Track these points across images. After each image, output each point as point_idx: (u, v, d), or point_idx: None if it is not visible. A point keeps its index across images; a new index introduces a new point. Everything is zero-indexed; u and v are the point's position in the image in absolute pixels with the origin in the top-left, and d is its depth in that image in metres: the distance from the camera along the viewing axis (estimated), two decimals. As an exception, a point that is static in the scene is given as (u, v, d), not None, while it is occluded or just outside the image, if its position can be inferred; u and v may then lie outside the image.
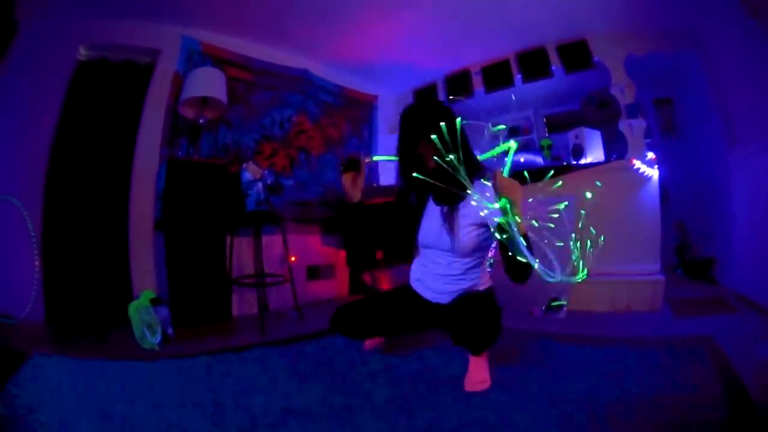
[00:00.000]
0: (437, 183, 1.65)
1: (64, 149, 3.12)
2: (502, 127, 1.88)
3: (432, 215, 1.97)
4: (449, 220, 1.87)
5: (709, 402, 1.59)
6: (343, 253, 4.28)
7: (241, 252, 3.51)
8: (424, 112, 1.81)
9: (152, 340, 2.49)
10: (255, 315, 3.10)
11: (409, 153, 1.81)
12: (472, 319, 1.78)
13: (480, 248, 1.93)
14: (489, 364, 1.87)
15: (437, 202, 1.95)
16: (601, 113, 3.92)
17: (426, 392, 1.78)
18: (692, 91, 4.38)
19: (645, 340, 2.47)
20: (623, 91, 3.69)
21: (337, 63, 4.36)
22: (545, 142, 5.04)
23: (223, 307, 3.11)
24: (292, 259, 3.67)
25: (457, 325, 1.81)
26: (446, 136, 1.51)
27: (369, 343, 2.34)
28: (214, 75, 3.30)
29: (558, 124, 5.22)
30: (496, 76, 4.28)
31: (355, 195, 2.01)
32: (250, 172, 3.28)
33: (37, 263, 2.89)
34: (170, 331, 2.60)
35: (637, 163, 3.45)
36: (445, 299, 1.99)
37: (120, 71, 3.36)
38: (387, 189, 4.40)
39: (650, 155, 3.52)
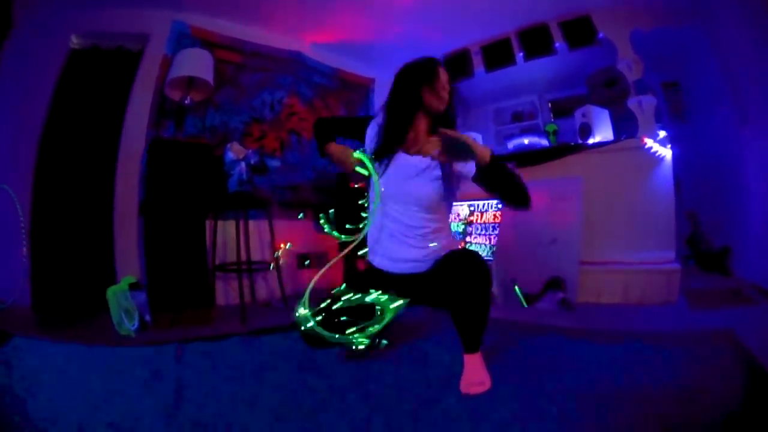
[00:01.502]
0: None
1: (54, 137, 3.07)
2: None
3: (401, 164, 1.77)
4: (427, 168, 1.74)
5: (735, 398, 1.50)
6: (336, 241, 4.06)
7: (227, 237, 3.32)
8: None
9: (129, 326, 2.44)
10: (239, 304, 2.93)
11: (422, 86, 1.74)
12: (466, 277, 1.58)
13: (447, 198, 1.81)
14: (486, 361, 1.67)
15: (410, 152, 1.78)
16: (608, 92, 3.70)
17: (408, 395, 1.57)
18: (700, 72, 4.13)
19: (664, 336, 2.25)
20: (631, 67, 3.47)
21: (331, 45, 4.18)
22: (551, 128, 4.83)
23: (205, 294, 2.92)
24: (282, 246, 3.48)
25: (451, 284, 1.60)
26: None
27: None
28: (200, 55, 3.16)
29: (563, 109, 5.01)
30: (497, 54, 4.09)
31: (351, 163, 1.79)
32: (233, 151, 3.11)
33: (25, 250, 2.85)
34: (147, 317, 2.54)
35: (649, 142, 3.19)
36: (411, 267, 1.80)
37: (111, 58, 3.26)
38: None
39: (662, 134, 3.30)
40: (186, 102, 3.14)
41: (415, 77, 1.76)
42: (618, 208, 3.27)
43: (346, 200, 3.75)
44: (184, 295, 2.79)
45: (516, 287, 3.15)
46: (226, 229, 3.31)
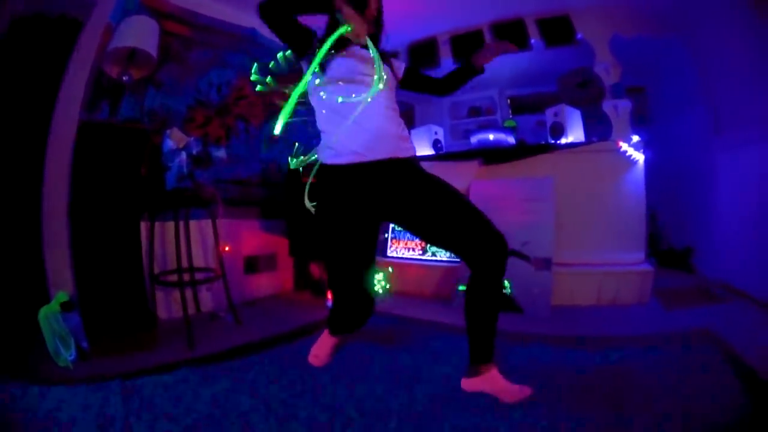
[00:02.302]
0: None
1: None
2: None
3: (354, 51, 1.66)
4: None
5: (730, 395, 1.66)
6: (286, 241, 3.66)
7: (164, 238, 2.85)
8: None
9: (66, 355, 2.07)
10: (183, 318, 2.49)
11: None
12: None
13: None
14: None
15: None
16: (582, 93, 3.60)
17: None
18: (671, 79, 4.24)
19: (647, 338, 2.34)
20: (608, 71, 3.44)
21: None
22: (509, 123, 4.72)
23: (143, 310, 2.47)
24: (226, 249, 3.05)
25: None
26: None
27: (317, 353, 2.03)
28: (145, 24, 2.66)
29: (522, 106, 4.96)
30: (468, 46, 3.86)
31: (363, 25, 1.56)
32: (173, 139, 2.67)
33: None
34: (84, 344, 2.18)
35: (624, 146, 3.22)
36: (401, 148, 1.66)
37: (53, 26, 2.64)
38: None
39: (636, 138, 3.26)
40: (124, 79, 2.62)
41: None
42: (590, 209, 3.28)
43: (298, 198, 3.40)
44: (121, 312, 2.39)
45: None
46: (165, 230, 2.83)
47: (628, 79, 4.26)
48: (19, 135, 2.52)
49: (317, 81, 1.63)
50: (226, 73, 3.34)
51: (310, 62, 1.58)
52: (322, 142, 1.70)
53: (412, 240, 3.78)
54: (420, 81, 1.90)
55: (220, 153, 3.25)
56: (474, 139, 4.08)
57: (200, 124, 3.18)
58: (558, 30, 3.58)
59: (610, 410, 1.57)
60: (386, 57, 1.75)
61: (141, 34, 2.62)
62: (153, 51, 2.65)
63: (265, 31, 3.44)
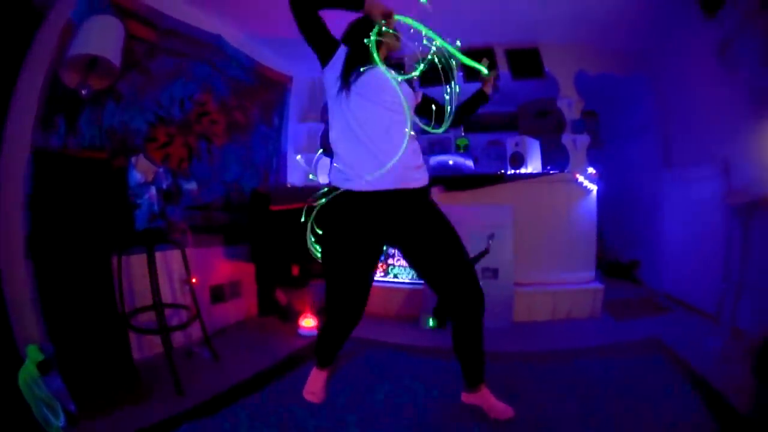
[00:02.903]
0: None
1: None
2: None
3: (377, 71, 1.68)
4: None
5: (682, 398, 1.96)
6: (251, 267, 3.51)
7: (131, 275, 2.58)
8: None
9: (56, 423, 1.84)
10: (158, 357, 2.43)
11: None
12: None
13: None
14: None
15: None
16: (538, 123, 3.81)
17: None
18: (626, 108, 4.66)
19: (604, 349, 2.69)
20: (571, 106, 3.68)
21: (251, 31, 3.55)
22: (461, 141, 4.88)
23: (124, 360, 2.22)
24: (193, 281, 2.85)
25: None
26: None
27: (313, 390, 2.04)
28: (110, 26, 2.32)
29: (475, 124, 5.10)
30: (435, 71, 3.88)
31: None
32: (140, 170, 2.41)
33: None
34: (71, 407, 1.93)
35: (581, 177, 3.51)
36: (413, 178, 1.71)
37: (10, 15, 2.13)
38: (303, 191, 3.77)
39: (591, 170, 3.54)
40: (83, 93, 2.28)
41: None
42: (547, 233, 3.55)
43: (264, 224, 3.27)
44: (101, 366, 2.12)
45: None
46: (131, 265, 2.57)
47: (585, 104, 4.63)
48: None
49: (340, 93, 1.66)
50: (189, 86, 3.06)
51: (333, 72, 1.68)
52: (334, 161, 1.76)
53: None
54: (434, 110, 1.92)
55: (191, 185, 2.99)
56: (433, 161, 4.18)
57: (162, 143, 2.90)
58: (526, 62, 3.72)
59: (574, 419, 1.83)
60: (408, 82, 1.79)
61: (105, 38, 2.27)
62: (116, 59, 2.32)
63: (229, 38, 3.27)
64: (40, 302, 2.05)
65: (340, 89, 1.66)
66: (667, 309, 3.48)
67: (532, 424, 1.80)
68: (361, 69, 1.65)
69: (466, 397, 1.91)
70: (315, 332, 3.13)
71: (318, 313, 3.26)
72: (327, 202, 1.74)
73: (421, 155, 1.79)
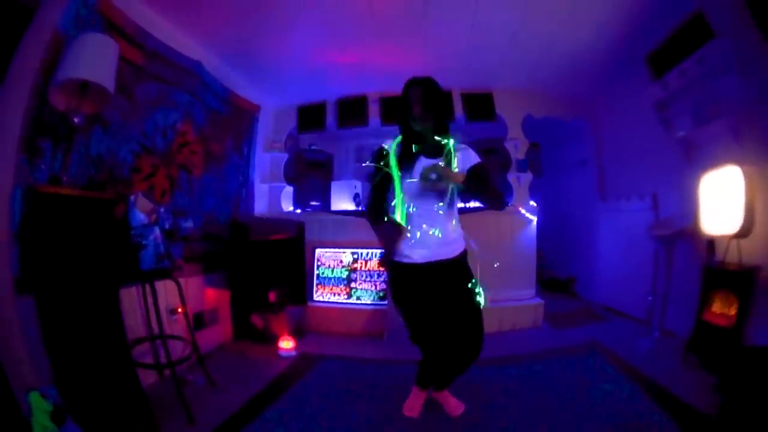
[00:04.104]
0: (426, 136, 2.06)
1: None
2: None
3: (418, 170, 2.02)
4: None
5: (618, 388, 2.46)
6: (226, 293, 3.58)
7: (124, 307, 2.56)
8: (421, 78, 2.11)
9: None
10: (155, 386, 2.60)
11: (403, 103, 2.07)
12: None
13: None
14: None
15: (428, 155, 2.08)
16: (486, 160, 4.25)
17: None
18: (566, 144, 5.30)
19: (549, 352, 3.14)
20: (517, 147, 4.18)
21: (231, 56, 3.65)
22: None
23: (137, 397, 2.20)
24: (179, 310, 2.91)
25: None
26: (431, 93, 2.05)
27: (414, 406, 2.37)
28: (106, 48, 2.23)
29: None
30: (396, 109, 4.18)
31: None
32: (141, 209, 2.42)
33: None
34: None
35: (523, 210, 4.06)
36: (448, 251, 2.10)
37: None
38: (278, 223, 3.92)
39: (532, 203, 4.08)
40: (75, 120, 2.21)
41: (398, 109, 2.12)
42: (494, 258, 3.85)
43: (243, 254, 3.38)
44: (117, 407, 2.09)
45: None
46: (124, 297, 2.56)
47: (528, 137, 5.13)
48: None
49: (399, 178, 2.05)
50: (171, 114, 3.08)
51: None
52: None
53: (338, 286, 4.06)
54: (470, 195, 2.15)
55: (188, 224, 3.04)
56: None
57: (147, 175, 2.91)
58: (480, 106, 4.11)
59: (525, 410, 2.28)
60: (450, 155, 2.09)
61: (98, 60, 2.17)
62: (110, 84, 2.23)
63: (209, 67, 3.37)
64: (45, 340, 1.98)
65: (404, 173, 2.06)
66: (602, 317, 4.06)
67: (489, 416, 2.25)
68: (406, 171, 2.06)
69: (433, 393, 2.40)
70: (294, 353, 3.29)
71: (294, 335, 3.42)
72: (394, 271, 2.14)
73: (458, 225, 2.18)
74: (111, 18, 2.53)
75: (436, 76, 3.82)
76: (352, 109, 4.37)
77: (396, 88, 4.01)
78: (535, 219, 4.09)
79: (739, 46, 2.54)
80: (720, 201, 2.65)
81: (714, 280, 2.71)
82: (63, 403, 1.87)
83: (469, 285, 2.10)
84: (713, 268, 2.74)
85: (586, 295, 4.82)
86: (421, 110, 2.02)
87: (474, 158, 2.13)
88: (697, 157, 3.08)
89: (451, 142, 2.08)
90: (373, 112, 4.35)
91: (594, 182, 4.63)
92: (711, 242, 2.84)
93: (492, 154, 4.33)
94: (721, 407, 2.10)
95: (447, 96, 2.15)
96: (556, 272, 5.37)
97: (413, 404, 2.35)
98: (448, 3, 2.95)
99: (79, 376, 2.02)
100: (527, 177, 4.21)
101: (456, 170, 2.02)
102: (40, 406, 1.80)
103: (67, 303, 2.05)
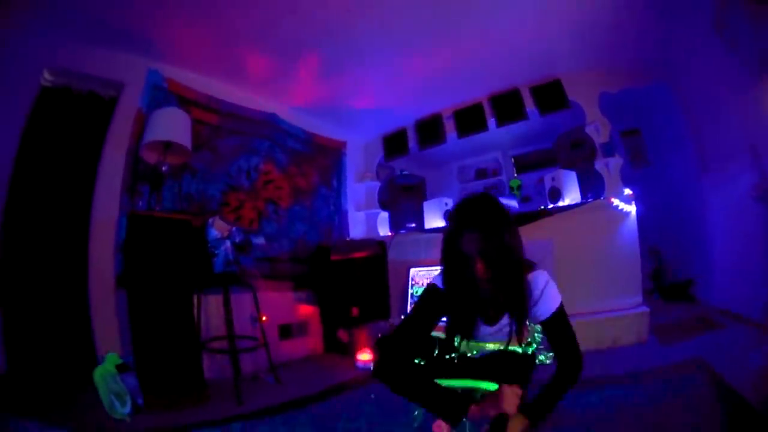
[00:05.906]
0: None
1: (21, 187, 2.82)
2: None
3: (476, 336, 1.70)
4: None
5: (711, 421, 1.82)
6: (316, 310, 4.00)
7: (208, 311, 3.18)
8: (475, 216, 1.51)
9: (122, 410, 2.30)
10: (227, 378, 2.85)
11: (452, 247, 1.53)
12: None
13: None
14: None
15: (489, 321, 1.66)
16: (574, 153, 3.92)
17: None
18: (661, 121, 4.52)
19: (640, 374, 2.55)
20: (598, 130, 3.69)
21: (303, 107, 4.24)
22: (514, 183, 5.06)
23: (195, 372, 2.73)
24: (263, 318, 3.36)
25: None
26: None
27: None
28: (178, 117, 3.01)
29: (527, 164, 5.27)
30: (469, 120, 4.24)
31: None
32: (217, 228, 3.02)
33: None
34: (140, 400, 2.42)
35: (616, 201, 3.46)
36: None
37: (82, 103, 3.06)
38: (360, 243, 4.21)
39: (627, 191, 3.52)
40: (163, 169, 2.99)
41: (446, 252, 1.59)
42: (588, 262, 3.46)
43: (327, 273, 3.76)
44: (173, 373, 2.62)
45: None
46: (208, 303, 3.17)
47: (623, 123, 4.48)
48: (59, 208, 2.95)
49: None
50: (253, 159, 3.78)
51: None
52: None
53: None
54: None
55: (259, 240, 3.63)
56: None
57: (234, 207, 3.58)
58: (551, 96, 3.83)
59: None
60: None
61: (174, 126, 2.94)
62: (187, 143, 2.97)
63: (284, 115, 3.98)
64: (130, 322, 2.65)
65: None
66: (720, 325, 3.18)
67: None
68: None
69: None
70: (370, 365, 3.46)
71: (372, 348, 3.60)
72: None
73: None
74: (182, 94, 3.36)
75: (497, 76, 3.99)
76: (430, 129, 4.51)
77: (465, 97, 4.14)
78: (633, 209, 3.49)
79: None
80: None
81: None
82: (132, 364, 2.50)
83: None
84: None
85: (705, 297, 3.90)
86: (485, 269, 1.48)
87: (553, 304, 1.61)
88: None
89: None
90: (449, 128, 4.41)
91: (695, 155, 3.80)
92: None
93: (580, 146, 3.93)
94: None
95: (507, 218, 1.59)
96: (676, 274, 4.44)
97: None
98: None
99: (153, 350, 2.59)
100: (616, 161, 3.65)
101: (532, 327, 1.70)
102: (111, 359, 2.45)
103: (150, 296, 2.67)
